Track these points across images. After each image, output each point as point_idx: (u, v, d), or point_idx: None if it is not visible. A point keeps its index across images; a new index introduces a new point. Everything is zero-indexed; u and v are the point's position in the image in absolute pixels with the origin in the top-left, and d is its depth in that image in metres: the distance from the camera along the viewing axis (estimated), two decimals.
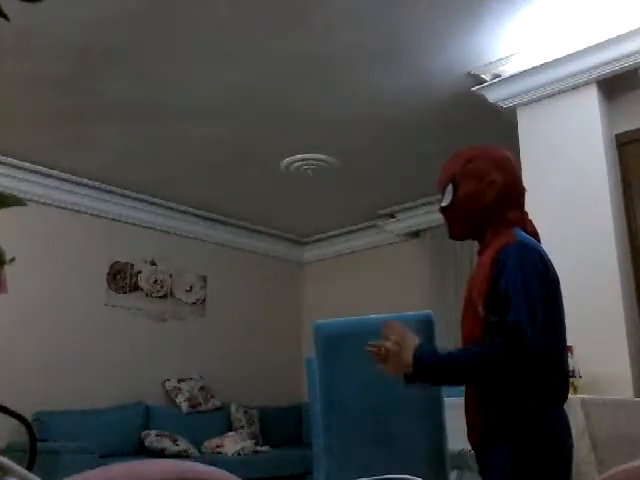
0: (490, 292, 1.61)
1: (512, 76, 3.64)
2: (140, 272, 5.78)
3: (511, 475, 1.56)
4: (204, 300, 6.22)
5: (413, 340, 1.63)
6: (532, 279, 1.62)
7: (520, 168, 1.96)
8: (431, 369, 1.61)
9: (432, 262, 5.82)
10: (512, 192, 1.78)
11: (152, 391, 5.52)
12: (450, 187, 1.80)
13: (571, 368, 2.86)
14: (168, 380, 5.65)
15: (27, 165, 4.99)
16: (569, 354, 2.87)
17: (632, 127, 3.44)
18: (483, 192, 1.75)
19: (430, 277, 5.79)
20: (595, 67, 3.40)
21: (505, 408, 1.60)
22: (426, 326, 2.09)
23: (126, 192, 5.60)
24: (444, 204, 1.81)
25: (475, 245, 1.84)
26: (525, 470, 1.55)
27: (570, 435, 1.62)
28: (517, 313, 1.53)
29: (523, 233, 1.72)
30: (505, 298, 1.57)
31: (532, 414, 1.56)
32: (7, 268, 1.04)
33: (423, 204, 5.79)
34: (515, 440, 1.56)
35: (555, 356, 1.64)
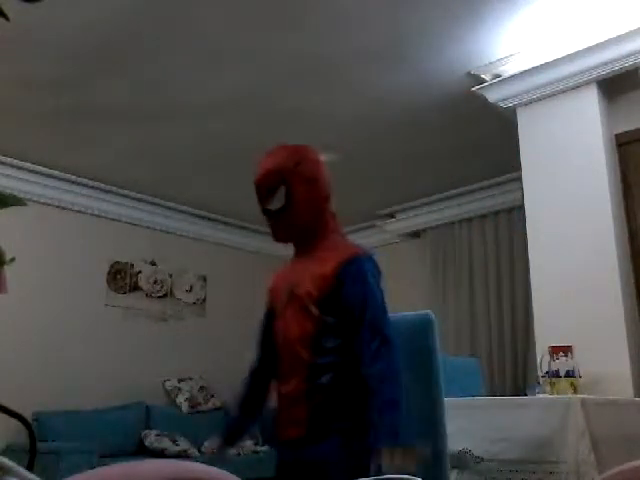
0: (329, 294, 1.68)
1: (512, 76, 3.64)
2: (140, 272, 5.78)
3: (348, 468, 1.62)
4: (204, 300, 6.22)
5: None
6: (379, 290, 1.74)
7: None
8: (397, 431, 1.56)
9: (432, 262, 5.82)
10: (330, 195, 1.85)
11: (152, 391, 5.51)
12: (283, 190, 1.75)
13: (571, 368, 2.87)
14: (168, 380, 5.65)
15: (27, 165, 4.99)
16: (569, 354, 2.89)
17: (632, 127, 3.44)
18: (316, 198, 1.79)
19: (430, 277, 5.79)
20: (595, 67, 3.40)
21: (340, 400, 1.67)
22: (426, 326, 2.09)
23: (126, 192, 5.59)
24: (275, 207, 1.77)
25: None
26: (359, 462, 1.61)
27: None
28: (382, 322, 1.66)
29: (364, 249, 1.79)
30: (361, 306, 1.67)
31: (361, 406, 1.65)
32: (7, 268, 1.04)
33: (423, 204, 5.79)
34: (347, 432, 1.65)
35: None
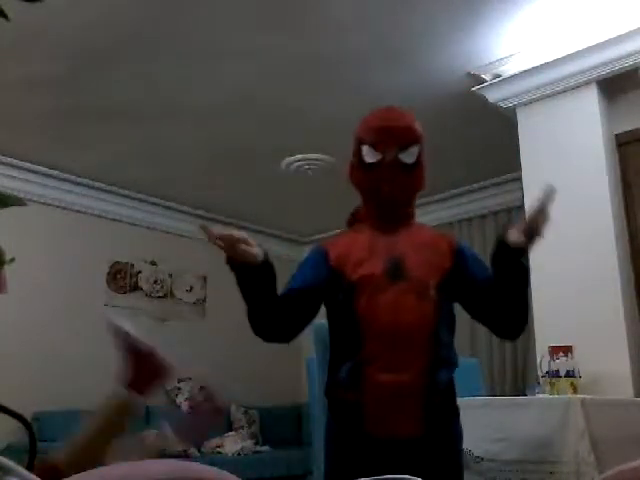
0: (448, 276, 1.62)
1: (512, 76, 3.64)
2: (140, 272, 5.78)
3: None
4: (204, 300, 6.21)
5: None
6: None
7: None
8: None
9: None
10: None
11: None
12: (417, 149, 1.65)
13: (571, 368, 2.87)
14: None
15: (27, 165, 4.99)
16: (569, 354, 2.89)
17: (632, 127, 3.44)
18: (425, 172, 1.72)
19: None
20: (595, 67, 3.40)
21: (454, 401, 1.68)
22: None
23: (126, 192, 5.59)
24: (411, 161, 1.64)
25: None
26: None
27: None
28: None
29: None
30: (482, 274, 1.65)
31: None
32: (7, 268, 1.04)
33: (423, 204, 5.78)
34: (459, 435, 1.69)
35: None
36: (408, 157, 1.62)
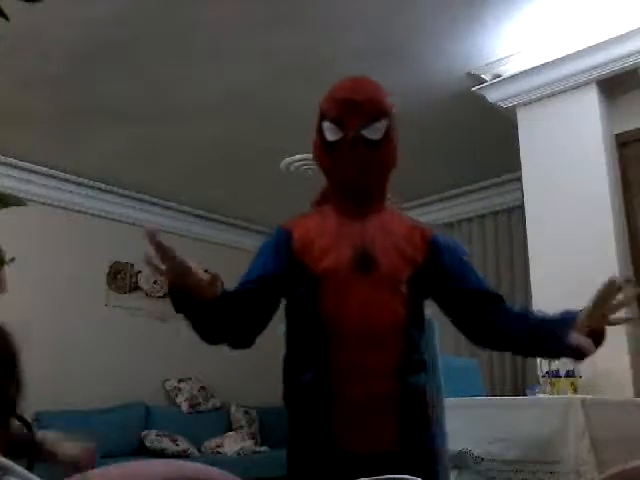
0: (421, 269, 1.46)
1: (512, 76, 3.64)
2: (140, 272, 5.78)
3: None
4: None
5: None
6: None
7: None
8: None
9: None
10: None
11: (152, 391, 5.51)
12: (385, 123, 1.46)
13: (571, 368, 2.87)
14: (168, 380, 5.65)
15: (27, 165, 4.98)
16: None
17: (632, 127, 3.44)
18: (396, 151, 1.53)
19: None
20: (595, 67, 3.40)
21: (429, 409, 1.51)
22: (426, 326, 2.08)
23: (126, 192, 5.59)
24: (376, 137, 1.44)
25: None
26: None
27: None
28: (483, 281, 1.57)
29: None
30: (461, 271, 1.52)
31: None
32: (7, 268, 1.04)
33: (423, 204, 5.79)
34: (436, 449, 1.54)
35: None
36: (373, 133, 1.43)
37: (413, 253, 1.47)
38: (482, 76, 3.73)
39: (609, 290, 1.45)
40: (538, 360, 3.06)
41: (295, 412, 1.51)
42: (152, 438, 4.93)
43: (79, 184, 5.33)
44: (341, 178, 1.49)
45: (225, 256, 6.44)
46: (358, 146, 1.42)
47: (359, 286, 1.39)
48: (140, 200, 5.73)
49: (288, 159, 4.92)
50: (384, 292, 1.40)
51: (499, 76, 3.70)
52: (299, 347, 1.50)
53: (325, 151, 1.49)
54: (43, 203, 5.12)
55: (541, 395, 2.84)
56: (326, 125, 1.47)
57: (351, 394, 1.37)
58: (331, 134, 1.45)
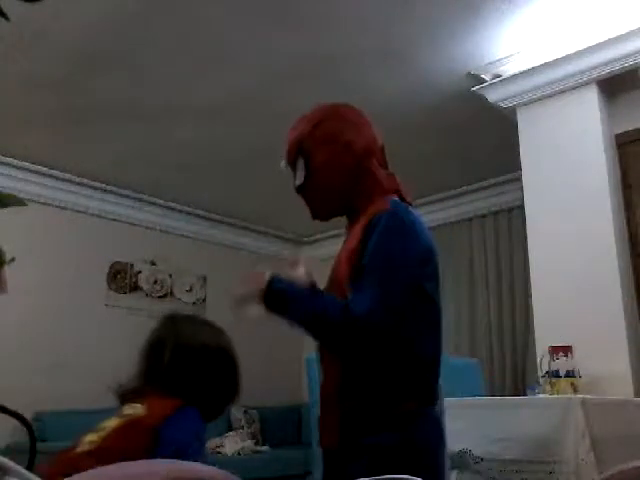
0: (357, 265, 1.40)
1: (512, 76, 3.64)
2: (140, 272, 5.78)
3: None
4: (204, 300, 6.21)
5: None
6: (399, 254, 1.39)
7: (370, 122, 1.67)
8: (279, 296, 1.44)
9: None
10: (372, 151, 1.55)
11: None
12: (301, 160, 1.52)
13: (571, 368, 2.87)
14: None
15: (27, 165, 4.99)
16: (569, 354, 2.89)
17: (632, 127, 3.44)
18: (340, 158, 1.50)
19: None
20: (595, 67, 3.40)
21: (371, 404, 1.39)
22: None
23: (126, 192, 5.59)
24: (298, 182, 1.53)
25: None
26: None
27: (444, 444, 1.43)
28: (370, 292, 1.34)
29: (398, 201, 1.50)
30: (364, 267, 1.38)
31: (404, 415, 1.37)
32: (7, 268, 1.04)
33: (423, 204, 5.78)
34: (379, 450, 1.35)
35: (429, 351, 1.46)
36: (297, 179, 1.56)
37: (353, 249, 1.44)
38: (482, 76, 3.73)
39: None
40: (538, 360, 3.07)
41: None
42: None
43: (79, 184, 5.33)
44: None
45: (225, 256, 6.45)
46: (300, 196, 1.58)
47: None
48: (140, 200, 5.73)
49: None
50: (338, 297, 1.43)
51: (499, 76, 3.70)
52: None
53: None
54: (43, 203, 5.12)
55: (541, 395, 2.84)
56: None
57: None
58: None
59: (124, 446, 1.29)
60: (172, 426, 1.28)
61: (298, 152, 1.54)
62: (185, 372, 1.41)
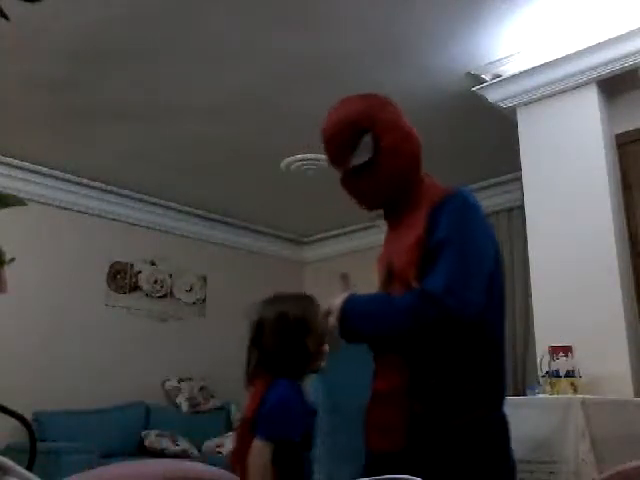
0: (425, 252, 1.32)
1: (512, 76, 3.64)
2: (140, 272, 5.78)
3: None
4: (204, 300, 6.21)
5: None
6: (474, 233, 1.34)
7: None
8: (356, 318, 1.36)
9: None
10: (421, 148, 1.51)
11: (152, 391, 5.51)
12: (368, 139, 1.41)
13: (571, 368, 2.87)
14: (168, 380, 5.65)
15: (27, 165, 4.99)
16: (569, 354, 2.89)
17: (632, 127, 3.44)
18: (407, 144, 1.46)
19: None
20: (595, 67, 3.40)
21: (444, 407, 1.32)
22: None
23: (126, 192, 5.59)
24: (361, 160, 1.40)
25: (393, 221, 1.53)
26: None
27: (510, 448, 1.41)
28: (445, 267, 1.27)
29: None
30: (437, 248, 1.29)
31: (476, 420, 1.33)
32: (7, 268, 1.04)
33: None
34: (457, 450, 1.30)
35: (501, 340, 1.40)
36: (359, 157, 1.42)
37: (416, 239, 1.35)
38: (482, 76, 3.73)
39: None
40: (538, 360, 3.07)
41: None
42: (152, 438, 4.93)
43: (79, 184, 5.33)
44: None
45: (225, 256, 6.45)
46: (350, 178, 1.46)
47: (390, 293, 1.42)
48: (140, 200, 5.73)
49: (288, 159, 4.92)
50: (395, 292, 1.38)
51: (499, 76, 3.70)
52: None
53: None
54: (43, 203, 5.12)
55: (541, 395, 2.84)
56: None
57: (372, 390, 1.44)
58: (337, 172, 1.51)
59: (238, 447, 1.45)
60: (264, 405, 1.42)
61: (361, 130, 1.41)
62: (280, 348, 1.50)
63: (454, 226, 1.31)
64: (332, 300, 1.43)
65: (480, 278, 1.29)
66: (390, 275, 1.41)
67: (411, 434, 1.32)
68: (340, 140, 1.43)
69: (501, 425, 1.40)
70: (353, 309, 1.38)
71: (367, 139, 1.41)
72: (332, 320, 1.38)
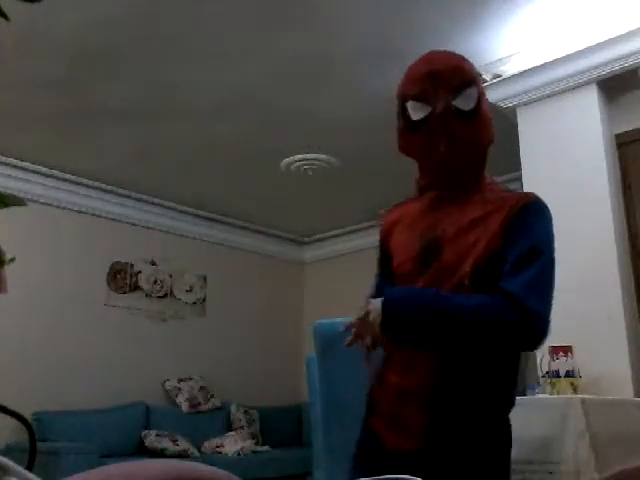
0: (489, 260, 1.27)
1: (512, 76, 3.64)
2: (140, 272, 5.78)
3: None
4: (204, 300, 6.22)
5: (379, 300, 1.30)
6: (552, 247, 1.30)
7: None
8: (405, 306, 1.25)
9: None
10: None
11: (152, 391, 5.51)
12: (475, 91, 1.33)
13: (571, 368, 2.87)
14: (168, 380, 5.65)
15: (27, 165, 4.99)
16: (569, 354, 2.89)
17: (632, 127, 3.44)
18: (491, 123, 1.38)
19: None
20: (595, 67, 3.40)
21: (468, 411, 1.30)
22: None
23: (126, 192, 5.60)
24: (467, 106, 1.30)
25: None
26: None
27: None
28: (530, 275, 1.22)
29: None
30: (530, 254, 1.24)
31: (497, 425, 1.35)
32: (7, 268, 1.04)
33: None
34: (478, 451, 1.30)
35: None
36: (464, 102, 1.30)
37: (485, 239, 1.29)
38: (482, 76, 3.73)
39: None
40: (538, 360, 3.07)
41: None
42: (152, 438, 4.93)
43: (79, 184, 5.33)
44: (433, 157, 1.34)
45: (225, 256, 6.46)
46: (449, 118, 1.30)
47: (419, 282, 1.32)
48: (140, 200, 5.73)
49: (288, 159, 4.92)
50: (444, 287, 1.28)
51: (499, 76, 3.70)
52: None
53: (412, 133, 1.36)
54: (43, 203, 5.13)
55: (541, 395, 2.84)
56: (410, 105, 1.34)
57: (391, 385, 1.37)
58: (416, 112, 1.33)
59: None
60: None
61: (472, 81, 1.34)
62: None
63: (549, 237, 1.29)
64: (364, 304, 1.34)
65: (552, 297, 1.28)
66: (431, 253, 1.31)
67: (430, 435, 1.29)
68: (449, 79, 1.31)
69: (509, 428, 1.42)
70: (398, 300, 1.28)
71: (474, 91, 1.33)
72: (374, 315, 1.28)
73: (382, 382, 1.39)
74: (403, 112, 1.37)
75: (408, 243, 1.38)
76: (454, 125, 1.30)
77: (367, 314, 1.30)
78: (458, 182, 1.37)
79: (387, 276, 1.46)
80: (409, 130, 1.36)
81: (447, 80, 1.31)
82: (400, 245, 1.41)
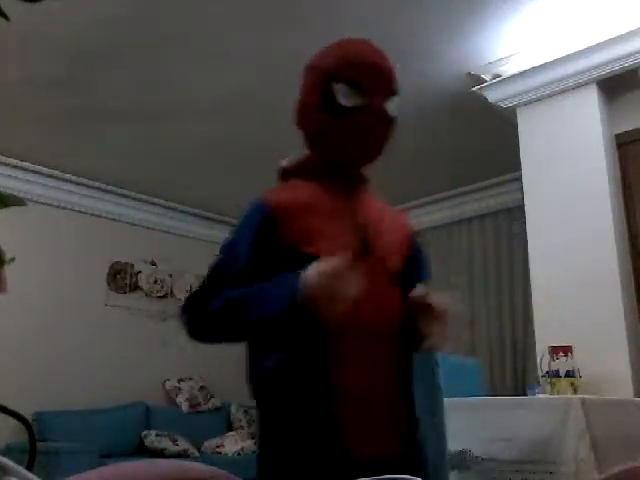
0: (407, 263, 1.37)
1: (512, 76, 3.64)
2: (140, 272, 5.78)
3: None
4: None
5: None
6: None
7: None
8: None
9: (432, 262, 5.82)
10: None
11: (152, 391, 5.51)
12: (397, 101, 1.33)
13: (571, 368, 2.87)
14: (168, 380, 5.65)
15: (27, 165, 4.99)
16: (569, 354, 2.89)
17: (632, 127, 3.44)
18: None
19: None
20: (595, 67, 3.40)
21: None
22: None
23: (126, 192, 5.60)
24: (394, 113, 1.31)
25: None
26: None
27: None
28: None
29: None
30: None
31: None
32: (7, 268, 1.04)
33: (423, 204, 5.79)
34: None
35: None
36: (393, 108, 1.30)
37: (404, 242, 1.39)
38: (482, 76, 3.73)
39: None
40: (538, 360, 3.07)
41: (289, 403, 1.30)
42: (152, 438, 4.93)
43: (79, 184, 5.34)
44: (353, 148, 1.30)
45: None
46: (380, 119, 1.28)
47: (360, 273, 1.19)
48: (140, 200, 5.73)
49: (288, 159, 4.92)
50: (388, 284, 1.28)
51: (499, 76, 3.70)
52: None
53: (333, 118, 1.28)
54: (43, 203, 5.13)
55: (541, 395, 2.84)
56: (340, 87, 1.27)
57: (352, 383, 1.20)
58: (347, 98, 1.26)
59: None
60: None
61: (396, 90, 1.33)
62: None
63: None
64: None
65: None
66: (365, 244, 1.27)
67: (410, 439, 1.23)
68: (390, 80, 1.31)
69: None
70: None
71: (397, 101, 1.32)
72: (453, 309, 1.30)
73: (331, 392, 1.19)
74: (325, 90, 1.30)
75: (336, 231, 1.28)
76: (382, 126, 1.29)
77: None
78: (357, 176, 1.40)
79: (275, 265, 1.25)
80: (329, 112, 1.28)
81: (388, 81, 1.30)
82: (319, 233, 1.27)
